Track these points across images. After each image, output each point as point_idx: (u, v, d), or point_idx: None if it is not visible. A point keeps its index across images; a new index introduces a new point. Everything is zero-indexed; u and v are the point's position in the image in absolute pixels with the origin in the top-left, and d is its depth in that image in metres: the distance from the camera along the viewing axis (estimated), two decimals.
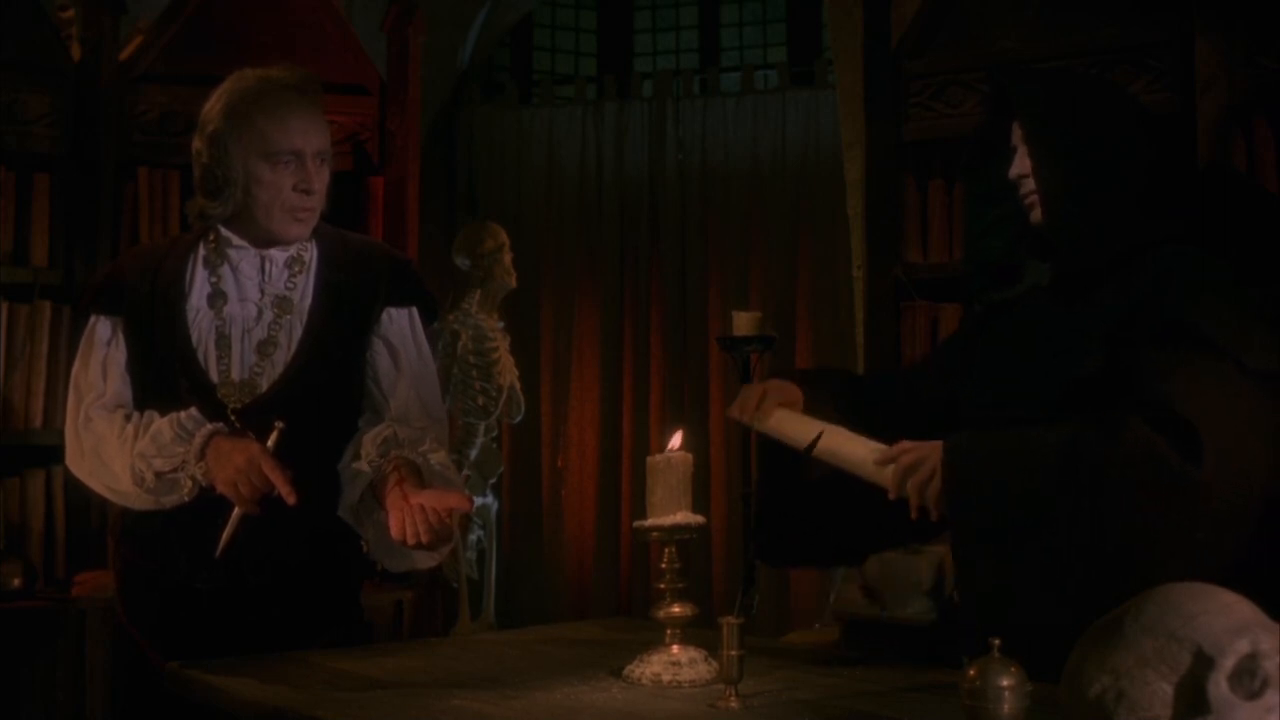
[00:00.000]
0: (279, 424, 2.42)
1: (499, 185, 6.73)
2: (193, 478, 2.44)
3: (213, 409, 2.51)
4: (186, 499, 2.47)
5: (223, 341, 2.54)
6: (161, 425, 2.48)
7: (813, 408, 2.39)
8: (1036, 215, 2.30)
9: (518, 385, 5.50)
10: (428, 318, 2.70)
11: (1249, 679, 1.44)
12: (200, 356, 2.54)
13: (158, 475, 2.46)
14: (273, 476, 2.36)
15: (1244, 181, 3.26)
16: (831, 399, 2.44)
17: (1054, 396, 2.15)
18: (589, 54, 7.23)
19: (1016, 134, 2.32)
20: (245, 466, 2.38)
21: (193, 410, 2.48)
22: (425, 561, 2.52)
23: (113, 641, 2.87)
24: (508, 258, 5.45)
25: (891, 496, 2.17)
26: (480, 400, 5.38)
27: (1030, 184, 2.29)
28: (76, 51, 4.10)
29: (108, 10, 4.11)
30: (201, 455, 2.43)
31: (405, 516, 2.33)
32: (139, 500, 2.51)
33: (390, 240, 4.25)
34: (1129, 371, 2.09)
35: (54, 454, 4.00)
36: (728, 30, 7.06)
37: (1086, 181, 2.23)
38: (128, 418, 2.53)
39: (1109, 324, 2.15)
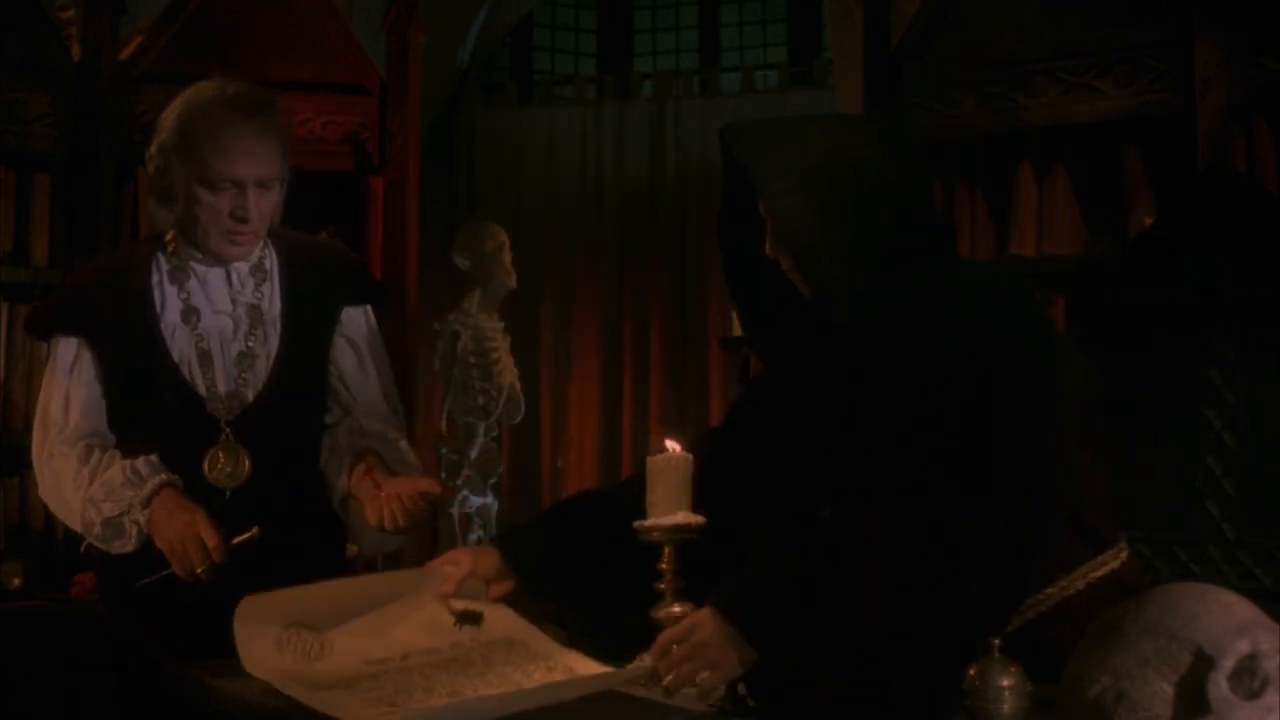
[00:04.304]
0: (255, 530, 2.39)
1: (499, 185, 6.73)
2: (137, 524, 2.43)
3: (204, 423, 2.53)
4: (133, 546, 2.46)
5: (204, 357, 2.56)
6: (114, 471, 2.47)
7: (523, 568, 2.23)
8: (805, 290, 2.08)
9: (518, 385, 5.51)
10: (380, 312, 2.76)
11: (1249, 679, 1.44)
12: (185, 372, 2.55)
13: (105, 522, 2.46)
14: (209, 542, 2.35)
15: (1244, 181, 3.26)
16: (555, 550, 2.24)
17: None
18: (589, 54, 7.23)
19: (763, 206, 2.05)
20: (184, 531, 2.37)
21: (152, 458, 2.47)
22: (394, 544, 2.66)
23: (111, 642, 2.88)
24: (507, 258, 5.45)
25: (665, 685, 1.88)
26: (480, 400, 5.38)
27: (789, 262, 2.06)
28: (76, 51, 4.10)
29: (108, 10, 4.11)
30: (147, 504, 2.43)
31: (383, 505, 2.41)
32: (93, 535, 2.50)
33: (390, 240, 4.25)
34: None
35: None
36: (728, 30, 7.06)
37: (849, 253, 1.99)
38: (86, 457, 2.51)
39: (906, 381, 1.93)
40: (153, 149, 2.57)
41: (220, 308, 2.59)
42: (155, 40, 4.20)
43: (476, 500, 5.58)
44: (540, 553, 2.27)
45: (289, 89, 3.63)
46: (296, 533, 2.53)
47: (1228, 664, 1.44)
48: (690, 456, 2.11)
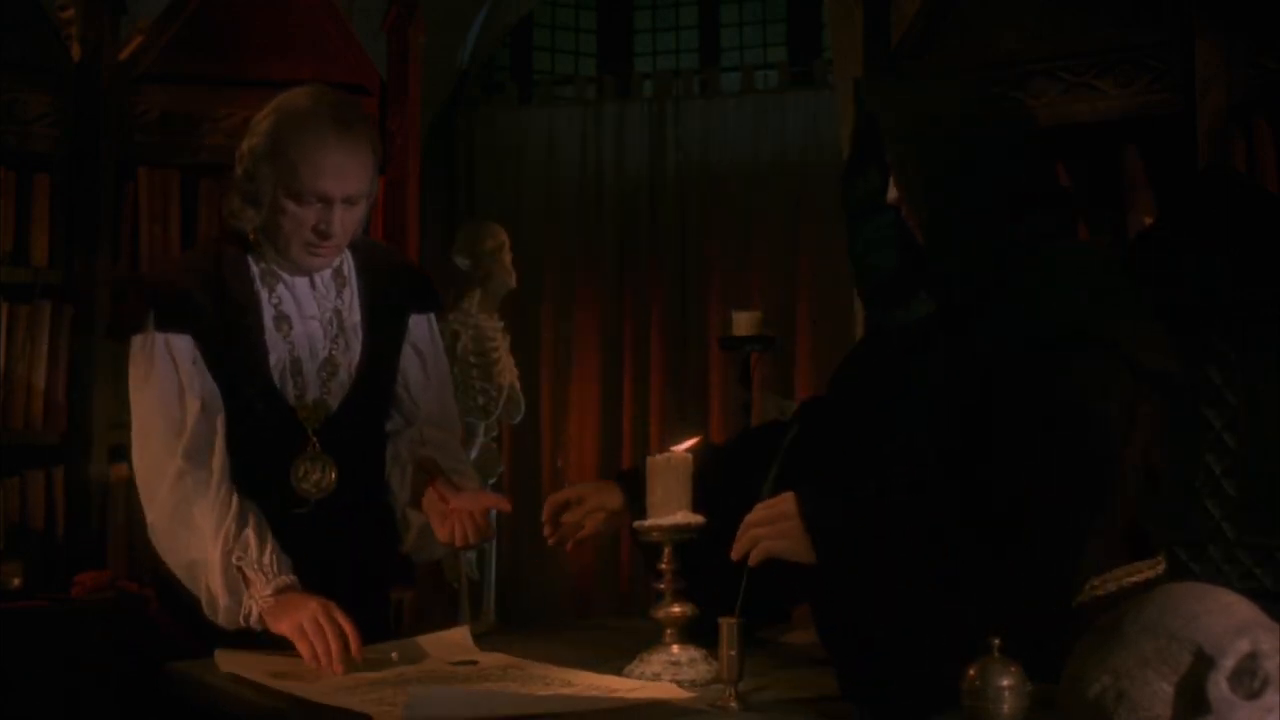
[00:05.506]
0: (394, 656, 2.32)
1: (499, 185, 6.73)
2: (257, 605, 2.33)
3: (294, 432, 2.52)
4: (222, 616, 2.36)
5: (295, 365, 2.55)
6: (264, 534, 2.39)
7: (638, 509, 2.24)
8: (919, 237, 2.14)
9: (518, 385, 5.50)
10: (439, 322, 2.78)
11: (1249, 679, 1.44)
12: (277, 380, 2.53)
13: (239, 572, 2.36)
14: (345, 627, 2.25)
15: (1244, 181, 3.26)
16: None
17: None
18: (589, 54, 7.22)
19: (889, 154, 2.14)
20: (319, 610, 2.26)
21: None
22: (441, 551, 2.67)
23: (111, 642, 2.88)
24: (508, 258, 5.44)
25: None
26: (480, 400, 5.37)
27: (907, 208, 2.14)
28: (76, 51, 4.10)
29: (108, 10, 4.11)
30: (277, 592, 2.34)
31: (455, 522, 2.39)
32: (213, 576, 2.38)
33: (390, 240, 4.26)
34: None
35: (54, 454, 4.01)
36: (728, 30, 7.06)
37: (962, 203, 2.05)
38: (221, 482, 2.42)
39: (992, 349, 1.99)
40: (243, 149, 2.54)
41: (308, 313, 2.58)
42: (155, 40, 4.20)
43: None
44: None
45: (289, 89, 3.63)
46: (373, 542, 2.56)
47: (1228, 664, 1.44)
48: (690, 456, 2.12)
